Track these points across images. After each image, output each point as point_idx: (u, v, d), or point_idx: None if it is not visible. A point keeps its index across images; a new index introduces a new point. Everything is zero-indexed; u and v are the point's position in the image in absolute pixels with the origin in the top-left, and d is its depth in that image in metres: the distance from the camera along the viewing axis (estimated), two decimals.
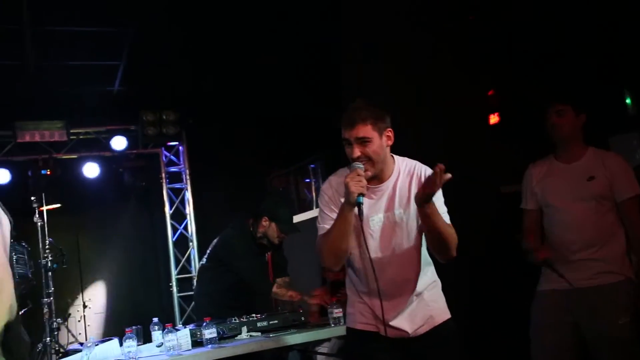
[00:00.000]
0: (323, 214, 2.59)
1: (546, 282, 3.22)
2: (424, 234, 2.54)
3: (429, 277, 2.63)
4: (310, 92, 6.43)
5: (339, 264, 2.59)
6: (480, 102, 4.89)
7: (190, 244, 7.40)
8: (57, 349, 5.70)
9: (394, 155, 2.61)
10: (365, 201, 2.45)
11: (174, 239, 7.43)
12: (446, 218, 2.49)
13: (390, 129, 2.52)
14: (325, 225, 2.53)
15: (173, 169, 7.65)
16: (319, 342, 4.27)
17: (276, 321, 3.68)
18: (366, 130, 2.46)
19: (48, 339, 5.75)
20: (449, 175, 2.30)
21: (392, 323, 2.55)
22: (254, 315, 3.71)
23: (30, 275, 5.14)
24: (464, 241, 3.23)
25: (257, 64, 6.44)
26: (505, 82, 5.02)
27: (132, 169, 7.53)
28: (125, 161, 7.53)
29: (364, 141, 2.47)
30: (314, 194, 7.24)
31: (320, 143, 6.79)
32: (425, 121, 4.60)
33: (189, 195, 7.53)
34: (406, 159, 2.62)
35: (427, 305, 2.59)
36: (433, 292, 2.63)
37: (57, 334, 5.90)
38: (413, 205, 2.49)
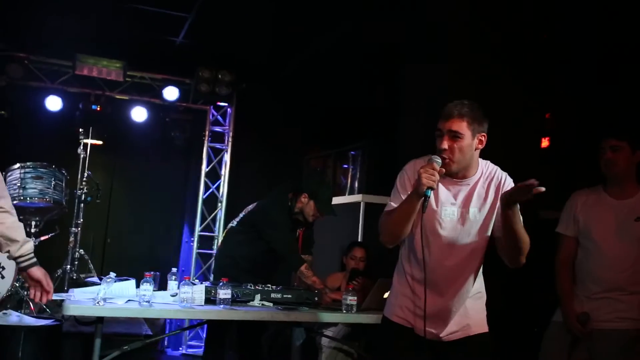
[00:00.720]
0: (396, 191, 2.64)
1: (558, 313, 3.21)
2: (497, 238, 2.56)
3: (477, 286, 2.64)
4: (366, 80, 6.43)
5: (394, 243, 2.65)
6: (536, 124, 4.81)
7: (219, 204, 7.48)
8: (74, 278, 5.86)
9: (480, 158, 2.63)
10: (444, 192, 2.55)
11: (204, 197, 7.52)
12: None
13: (484, 134, 2.55)
14: (392, 203, 2.59)
15: (217, 129, 7.72)
16: (327, 325, 4.31)
17: (290, 296, 3.71)
18: (461, 125, 2.50)
19: (68, 266, 5.91)
20: (542, 189, 2.31)
21: (428, 321, 2.54)
22: (269, 285, 3.76)
23: (64, 203, 5.27)
24: (498, 263, 3.24)
25: (319, 44, 6.45)
26: (561, 107, 4.94)
27: (179, 120, 7.62)
28: (173, 112, 7.63)
29: (455, 135, 2.50)
30: (349, 181, 7.26)
31: (365, 132, 6.79)
32: None
33: (227, 157, 7.59)
34: (489, 162, 2.65)
35: (467, 313, 2.59)
36: (477, 302, 2.64)
37: (77, 264, 6.05)
38: (487, 208, 2.54)
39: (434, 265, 2.56)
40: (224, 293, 3.43)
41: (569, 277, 3.24)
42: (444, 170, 2.47)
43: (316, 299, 3.77)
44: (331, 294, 3.92)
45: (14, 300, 4.73)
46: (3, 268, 4.59)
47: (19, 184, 5.00)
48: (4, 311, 4.08)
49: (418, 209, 2.44)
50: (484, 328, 2.63)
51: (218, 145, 7.69)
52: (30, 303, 4.81)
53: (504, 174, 2.62)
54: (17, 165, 5.08)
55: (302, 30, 6.31)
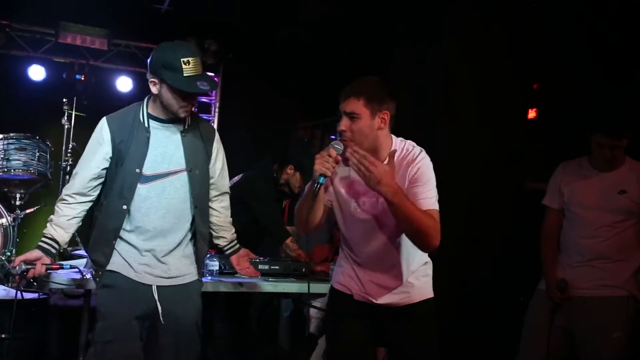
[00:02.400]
0: None
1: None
2: None
3: (418, 261, 2.54)
4: (355, 49, 6.37)
5: (305, 231, 2.63)
6: (523, 95, 4.81)
7: None
8: (61, 251, 5.82)
9: (394, 137, 2.52)
10: (349, 180, 2.49)
11: None
12: (428, 204, 2.35)
13: (386, 112, 2.42)
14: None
15: (204, 99, 7.65)
16: (315, 296, 4.34)
17: (277, 267, 3.72)
18: (357, 105, 2.39)
19: None
20: (385, 166, 2.28)
21: (366, 292, 2.54)
22: (257, 257, 3.77)
23: (48, 175, 5.21)
24: (483, 233, 3.23)
25: (306, 11, 6.36)
26: (549, 79, 4.94)
27: None
28: None
29: (352, 116, 2.40)
30: None
31: None
32: (466, 104, 4.55)
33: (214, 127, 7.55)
34: (406, 142, 2.52)
35: (407, 284, 2.52)
36: (419, 270, 2.55)
37: None
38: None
39: (358, 249, 2.54)
40: (211, 265, 3.45)
41: (552, 247, 3.29)
42: (339, 158, 2.37)
43: (304, 269, 3.79)
44: (317, 267, 3.94)
45: (1, 274, 4.71)
46: None
47: (2, 156, 4.92)
48: None
49: (314, 197, 2.38)
50: (428, 294, 2.56)
51: (205, 116, 7.62)
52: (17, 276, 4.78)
53: (418, 152, 2.46)
54: (0, 136, 5.00)
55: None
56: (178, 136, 2.66)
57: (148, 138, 2.60)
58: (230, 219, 2.96)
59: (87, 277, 3.09)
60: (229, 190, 2.94)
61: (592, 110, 3.84)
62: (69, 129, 6.06)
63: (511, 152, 4.54)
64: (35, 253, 2.63)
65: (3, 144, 4.94)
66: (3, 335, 3.42)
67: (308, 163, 4.14)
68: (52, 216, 2.69)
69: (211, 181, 2.82)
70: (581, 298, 3.10)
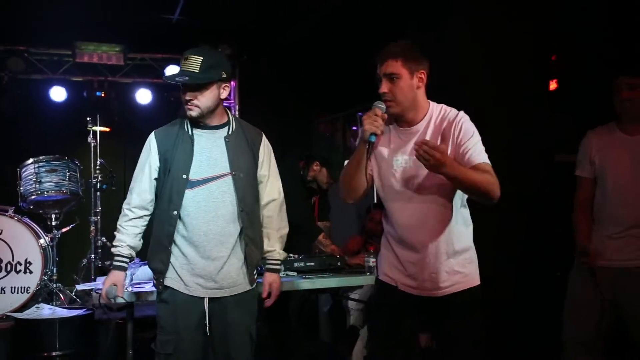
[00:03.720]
0: None
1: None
2: None
3: (460, 238, 2.51)
4: (370, 39, 6.35)
5: (353, 198, 2.64)
6: (543, 67, 4.75)
7: None
8: (100, 266, 5.94)
9: (430, 101, 2.55)
10: (395, 141, 2.50)
11: None
12: (479, 158, 2.37)
13: (423, 72, 2.47)
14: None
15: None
16: (352, 288, 4.36)
17: (313, 263, 3.75)
18: (396, 66, 2.44)
19: (92, 255, 6.00)
20: (443, 147, 2.29)
21: (410, 278, 2.53)
22: (291, 255, 3.79)
23: (80, 193, 5.31)
24: (515, 210, 3.20)
25: (319, 6, 6.36)
26: (568, 49, 4.87)
27: None
28: (178, 90, 7.55)
29: (391, 77, 2.45)
30: None
31: (372, 91, 6.74)
32: (484, 80, 4.51)
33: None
34: (443, 105, 2.54)
35: (452, 269, 2.48)
36: (464, 255, 2.51)
37: (101, 252, 6.13)
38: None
39: (401, 222, 2.52)
40: None
41: (586, 217, 3.22)
42: (386, 115, 2.44)
43: (339, 263, 3.81)
44: (351, 260, 3.95)
45: (44, 294, 4.82)
46: (30, 263, 4.67)
47: (34, 179, 5.03)
48: (37, 305, 4.17)
49: (368, 156, 2.44)
50: (474, 281, 2.53)
51: None
52: (60, 294, 4.90)
53: (457, 113, 2.48)
54: (31, 160, 5.11)
55: None
56: (222, 141, 2.75)
57: (192, 145, 2.71)
58: (280, 232, 2.94)
59: (130, 289, 3.15)
60: (277, 198, 2.92)
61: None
62: (95, 146, 6.17)
63: (537, 126, 4.49)
64: (119, 275, 2.76)
65: (34, 168, 5.05)
66: (53, 354, 3.50)
67: (333, 158, 4.19)
68: (118, 235, 2.79)
69: (259, 187, 2.87)
70: (623, 269, 3.02)
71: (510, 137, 4.43)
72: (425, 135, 2.47)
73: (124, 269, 2.78)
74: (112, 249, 2.79)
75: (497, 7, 4.55)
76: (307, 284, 3.56)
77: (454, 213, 2.48)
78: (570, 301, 3.20)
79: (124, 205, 2.81)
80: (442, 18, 4.76)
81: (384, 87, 2.46)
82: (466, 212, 2.57)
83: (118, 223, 2.80)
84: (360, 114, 7.13)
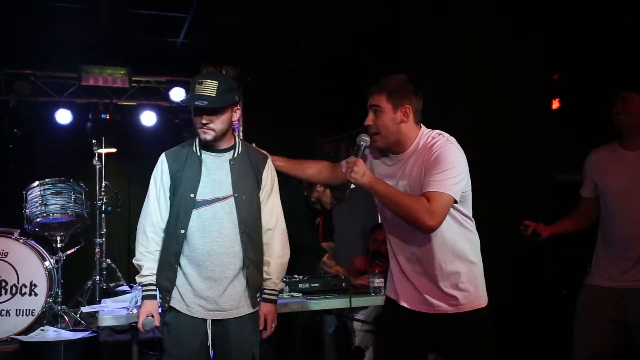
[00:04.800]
0: None
1: (594, 276, 3.14)
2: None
3: (460, 256, 2.53)
4: (372, 61, 6.41)
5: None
6: (545, 85, 4.78)
7: None
8: (105, 288, 5.94)
9: (423, 127, 2.59)
10: (385, 169, 2.62)
11: None
12: (434, 186, 2.39)
13: (408, 107, 2.52)
14: None
15: None
16: (357, 309, 4.34)
17: (317, 284, 3.73)
18: (380, 99, 2.53)
19: (97, 277, 6.00)
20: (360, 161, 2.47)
21: (412, 297, 2.58)
22: (296, 276, 3.79)
23: (86, 215, 5.34)
24: (515, 226, 3.21)
25: (322, 27, 6.43)
26: (570, 67, 4.90)
27: (188, 120, 7.60)
28: (182, 113, 7.67)
29: (376, 110, 2.54)
30: None
31: None
32: (486, 99, 4.54)
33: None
34: (433, 132, 2.58)
35: (455, 286, 2.51)
36: (464, 274, 2.53)
37: (106, 274, 6.14)
38: (418, 180, 2.48)
39: (397, 243, 2.62)
40: None
41: (570, 218, 3.26)
42: (377, 144, 2.56)
43: (344, 284, 3.80)
44: (356, 280, 3.94)
45: (49, 316, 4.82)
46: (35, 285, 4.68)
47: (40, 202, 5.07)
48: (42, 327, 4.17)
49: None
50: (478, 302, 2.54)
51: None
52: (65, 316, 4.90)
53: (441, 139, 2.51)
54: (36, 183, 5.15)
55: (304, 15, 6.28)
56: (227, 164, 2.79)
57: (200, 166, 2.76)
58: (279, 260, 2.89)
59: (134, 312, 3.15)
60: (272, 228, 2.89)
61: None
62: (100, 169, 6.20)
63: (539, 145, 4.51)
64: (153, 305, 2.74)
65: (40, 190, 5.09)
66: None
67: None
68: (144, 262, 2.75)
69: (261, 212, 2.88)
70: (632, 290, 2.98)
71: (513, 156, 4.45)
72: (409, 163, 2.54)
73: (156, 297, 2.76)
74: (141, 279, 2.75)
75: (498, 26, 4.59)
76: (312, 304, 3.55)
77: (447, 234, 2.51)
78: (578, 321, 3.17)
79: (143, 229, 2.78)
80: (443, 37, 4.80)
81: (368, 119, 2.56)
82: (464, 231, 2.57)
83: (139, 249, 2.77)
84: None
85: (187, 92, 7.37)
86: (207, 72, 2.56)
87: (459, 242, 2.54)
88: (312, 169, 3.06)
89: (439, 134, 2.55)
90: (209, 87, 2.68)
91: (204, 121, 2.70)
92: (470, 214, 2.58)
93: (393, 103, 2.51)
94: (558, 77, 5.18)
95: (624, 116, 3.06)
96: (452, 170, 2.41)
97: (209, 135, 2.73)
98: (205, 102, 2.66)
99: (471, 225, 2.59)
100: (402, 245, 2.61)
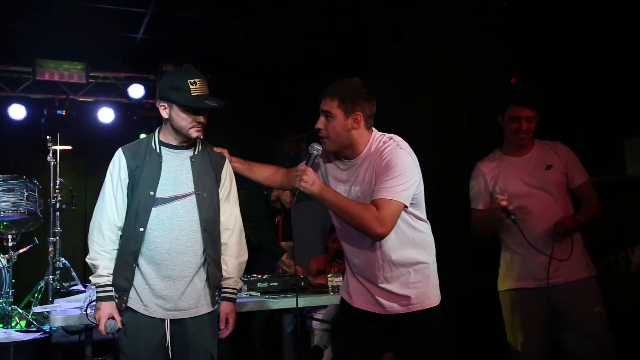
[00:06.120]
0: None
1: (510, 279, 3.27)
2: None
3: (409, 257, 2.56)
4: (335, 59, 6.42)
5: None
6: (502, 90, 4.85)
7: None
8: (58, 287, 5.80)
9: (375, 132, 2.61)
10: (337, 172, 2.66)
11: None
12: (383, 193, 2.42)
13: (359, 114, 2.53)
14: None
15: None
16: (316, 308, 4.35)
17: (276, 283, 3.72)
18: (331, 105, 2.54)
19: (51, 277, 5.85)
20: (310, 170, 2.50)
21: (360, 297, 2.63)
22: (254, 275, 3.78)
23: (39, 213, 5.20)
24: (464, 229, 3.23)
25: (284, 27, 6.42)
26: (525, 72, 4.99)
27: (147, 118, 7.56)
28: (141, 109, 7.56)
29: (327, 115, 2.55)
30: None
31: None
32: (449, 103, 4.59)
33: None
34: (385, 135, 2.60)
35: (405, 286, 2.55)
36: (415, 275, 2.57)
37: (60, 274, 5.99)
38: (370, 185, 2.51)
39: (347, 247, 2.67)
40: None
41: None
42: (329, 148, 2.58)
43: (302, 283, 3.80)
44: (315, 280, 3.95)
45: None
46: None
47: None
48: None
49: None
50: (429, 300, 2.57)
51: None
52: (16, 317, 4.76)
53: (391, 144, 2.52)
54: None
55: (264, 14, 6.26)
56: (188, 161, 2.75)
57: (160, 163, 2.70)
58: (238, 260, 2.87)
59: (89, 311, 3.08)
60: (230, 228, 2.86)
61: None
62: (55, 165, 6.05)
63: (496, 146, 4.57)
64: (112, 306, 2.66)
65: None
66: None
67: None
68: (100, 262, 2.66)
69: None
70: (557, 286, 3.13)
71: (470, 157, 4.50)
72: (361, 169, 2.56)
73: (113, 298, 2.67)
74: (97, 279, 2.66)
75: (461, 28, 4.64)
76: (271, 304, 3.54)
77: (396, 237, 2.54)
78: (513, 325, 3.28)
79: (99, 226, 2.69)
80: (404, 40, 4.84)
81: (319, 123, 2.57)
82: (414, 233, 2.59)
83: (94, 248, 2.67)
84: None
85: (145, 89, 7.27)
86: (185, 69, 2.54)
87: (409, 245, 2.57)
88: (266, 173, 3.06)
89: (390, 139, 2.57)
90: (205, 86, 2.67)
91: (202, 120, 2.68)
92: (423, 215, 2.62)
93: (344, 110, 2.52)
94: (515, 80, 5.28)
95: (526, 135, 3.25)
96: (402, 177, 2.43)
97: (200, 134, 2.72)
98: (215, 104, 2.64)
99: (423, 226, 2.63)
100: (352, 249, 2.65)
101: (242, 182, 3.01)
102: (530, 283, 3.19)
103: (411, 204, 2.49)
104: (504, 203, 3.04)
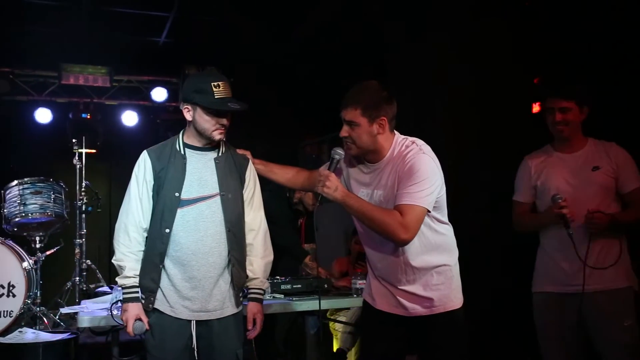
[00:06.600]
0: None
1: (542, 282, 3.20)
2: None
3: (432, 261, 2.57)
4: (354, 61, 6.43)
5: None
6: (525, 89, 4.82)
7: None
8: (84, 289, 5.88)
9: (397, 135, 2.62)
10: (361, 176, 2.66)
11: None
12: (405, 198, 2.42)
13: (384, 118, 2.53)
14: None
15: None
16: (339, 311, 4.36)
17: (299, 285, 3.73)
18: (355, 114, 2.53)
19: (77, 278, 5.94)
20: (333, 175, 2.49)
21: (383, 300, 2.65)
22: (278, 277, 3.79)
23: (65, 215, 5.28)
24: (495, 229, 3.21)
25: (303, 26, 6.44)
26: (550, 71, 4.95)
27: (170, 120, 7.62)
28: (164, 112, 7.63)
29: (351, 124, 2.53)
30: None
31: None
32: (468, 102, 4.57)
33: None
34: (408, 139, 2.60)
35: (428, 288, 2.56)
36: (437, 277, 2.58)
37: (86, 275, 6.08)
38: (393, 189, 2.51)
39: (370, 250, 2.68)
40: None
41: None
42: (352, 153, 2.58)
43: (326, 285, 3.80)
44: (338, 282, 3.95)
45: (28, 317, 4.76)
46: (13, 286, 4.62)
47: (19, 201, 5.01)
48: (20, 329, 4.12)
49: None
50: (452, 303, 2.58)
51: None
52: (44, 318, 4.84)
53: (414, 149, 2.53)
54: (15, 182, 5.09)
55: (285, 17, 6.29)
56: (212, 162, 2.78)
57: (185, 164, 2.73)
58: (264, 260, 2.89)
59: (115, 312, 3.12)
60: (255, 229, 2.89)
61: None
62: (80, 168, 6.14)
63: (519, 148, 4.54)
64: (138, 308, 2.69)
65: (19, 190, 5.03)
66: None
67: None
68: (126, 263, 2.70)
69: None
70: (589, 294, 2.98)
71: (492, 158, 4.48)
72: (384, 173, 2.57)
73: (139, 299, 2.71)
74: (123, 280, 2.69)
75: (480, 29, 4.62)
76: (295, 306, 3.55)
77: (419, 241, 2.53)
78: (540, 330, 3.22)
79: (125, 228, 2.72)
80: (423, 40, 4.83)
81: (344, 132, 2.56)
82: (436, 236, 2.59)
83: (120, 249, 2.71)
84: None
85: (168, 92, 7.33)
86: (208, 72, 2.56)
87: (431, 248, 2.58)
88: (288, 175, 3.09)
89: (412, 142, 2.57)
90: (228, 89, 2.70)
91: (225, 123, 2.72)
92: (445, 218, 2.63)
93: (369, 117, 2.52)
94: (538, 80, 5.23)
95: (564, 126, 3.13)
96: (425, 182, 2.43)
97: (223, 136, 2.76)
98: (238, 107, 2.67)
99: (445, 229, 2.63)
100: (374, 253, 2.66)
101: (265, 184, 3.03)
102: (561, 287, 3.09)
103: (433, 207, 2.50)
104: (565, 211, 2.96)
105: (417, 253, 2.55)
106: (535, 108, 5.22)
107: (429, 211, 2.46)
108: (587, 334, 3.08)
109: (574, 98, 3.10)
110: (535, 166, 3.26)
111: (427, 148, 2.55)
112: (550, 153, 3.24)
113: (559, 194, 3.02)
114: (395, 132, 2.63)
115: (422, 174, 2.44)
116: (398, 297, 2.60)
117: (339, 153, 2.57)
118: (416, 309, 2.57)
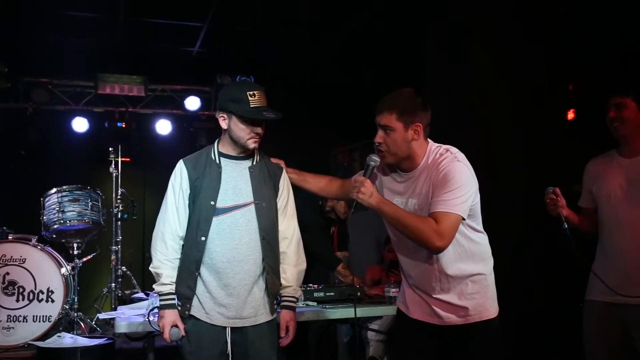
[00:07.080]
0: None
1: (593, 290, 3.11)
2: None
3: (466, 269, 2.55)
4: (388, 70, 6.43)
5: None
6: (560, 96, 4.77)
7: None
8: (120, 295, 5.98)
9: (431, 143, 2.60)
10: (394, 185, 2.65)
11: None
12: (440, 206, 2.40)
13: (419, 125, 2.51)
14: None
15: None
16: (372, 319, 4.34)
17: (332, 293, 3.74)
18: (390, 119, 2.51)
19: (113, 284, 6.04)
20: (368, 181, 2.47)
21: (417, 308, 2.63)
22: (311, 285, 3.80)
23: (102, 222, 5.38)
24: (530, 238, 3.18)
25: (336, 35, 6.46)
26: (584, 77, 4.89)
27: (203, 129, 7.70)
28: (197, 121, 7.72)
29: (386, 129, 2.52)
30: None
31: None
32: (501, 110, 4.54)
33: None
34: (442, 147, 2.58)
35: (463, 298, 2.54)
36: (473, 286, 2.56)
37: (121, 281, 6.18)
38: (427, 198, 2.49)
39: (404, 259, 2.66)
40: None
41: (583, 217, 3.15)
42: (387, 160, 2.57)
43: (359, 293, 3.80)
44: (371, 290, 3.94)
45: (66, 322, 4.86)
46: (52, 292, 4.72)
47: (57, 208, 5.12)
48: (58, 334, 4.20)
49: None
50: (487, 312, 2.56)
51: None
52: (82, 323, 4.93)
53: (448, 156, 2.51)
54: (54, 190, 5.21)
55: (317, 26, 6.33)
56: (247, 171, 2.81)
57: (220, 173, 2.77)
58: (297, 268, 2.91)
59: (151, 318, 3.17)
60: (289, 237, 2.91)
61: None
62: (116, 176, 6.25)
63: (555, 155, 4.50)
64: (175, 314, 2.73)
65: (57, 197, 5.14)
66: None
67: None
68: (163, 270, 2.73)
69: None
70: (633, 306, 2.91)
71: (528, 166, 4.44)
72: (419, 182, 2.55)
73: (176, 306, 2.75)
74: (160, 287, 2.73)
75: (514, 36, 4.59)
76: (328, 313, 3.56)
77: (454, 249, 2.52)
78: (586, 338, 3.13)
79: (162, 236, 2.76)
80: (458, 47, 4.82)
81: (378, 137, 2.55)
82: (471, 245, 2.57)
83: (158, 257, 2.75)
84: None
85: (202, 101, 7.43)
86: (244, 81, 2.60)
87: (465, 257, 2.56)
88: (321, 183, 3.11)
89: (447, 150, 2.56)
90: (263, 98, 2.74)
91: (260, 131, 2.75)
92: (479, 227, 2.60)
93: (404, 122, 2.51)
94: (573, 87, 5.16)
95: (619, 123, 3.03)
96: (460, 190, 2.42)
97: (257, 145, 2.79)
98: (273, 116, 2.70)
99: (480, 237, 2.61)
100: (408, 261, 2.65)
101: (297, 192, 3.05)
102: (605, 297, 3.00)
103: (468, 215, 2.48)
104: (557, 207, 2.91)
105: (451, 261, 2.53)
106: (570, 115, 5.15)
107: (463, 219, 2.44)
108: (635, 344, 2.99)
109: (629, 94, 3.01)
110: (592, 170, 3.19)
111: (461, 155, 2.54)
112: (612, 157, 3.13)
113: (551, 187, 2.95)
114: (429, 140, 2.62)
115: (457, 182, 2.42)
116: (432, 306, 2.59)
117: (374, 159, 2.56)
118: (451, 318, 2.55)
